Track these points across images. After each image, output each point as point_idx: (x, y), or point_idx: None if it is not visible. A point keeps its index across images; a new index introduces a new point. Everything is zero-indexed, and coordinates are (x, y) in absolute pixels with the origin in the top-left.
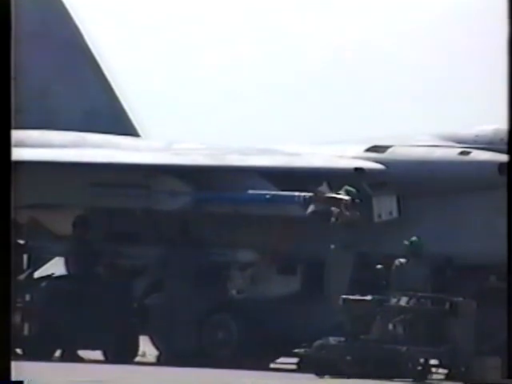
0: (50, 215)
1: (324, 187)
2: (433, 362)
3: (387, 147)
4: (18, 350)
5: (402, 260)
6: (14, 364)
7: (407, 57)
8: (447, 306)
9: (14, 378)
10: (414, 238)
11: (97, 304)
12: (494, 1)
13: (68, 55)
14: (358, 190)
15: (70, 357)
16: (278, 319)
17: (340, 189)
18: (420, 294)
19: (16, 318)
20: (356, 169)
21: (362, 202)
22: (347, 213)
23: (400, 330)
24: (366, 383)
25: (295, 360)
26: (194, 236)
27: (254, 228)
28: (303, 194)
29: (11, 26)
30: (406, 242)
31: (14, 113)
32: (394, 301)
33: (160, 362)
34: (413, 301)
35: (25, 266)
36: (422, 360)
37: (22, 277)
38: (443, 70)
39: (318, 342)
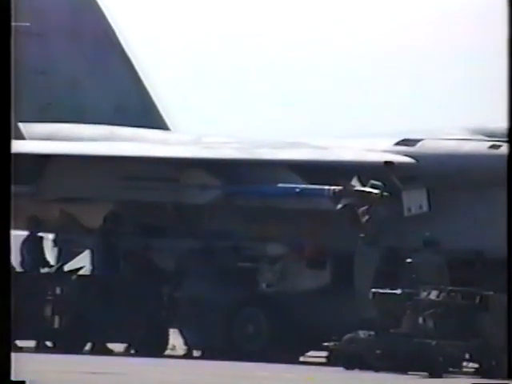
0: (80, 209)
1: (354, 181)
2: (463, 356)
3: (417, 141)
4: (49, 343)
5: (432, 254)
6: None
7: (438, 51)
8: (477, 299)
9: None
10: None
11: (127, 297)
12: None
13: (98, 49)
14: (387, 184)
15: (100, 350)
16: (307, 313)
17: (370, 182)
18: (450, 288)
19: (46, 311)
20: (386, 162)
21: (391, 195)
22: (377, 207)
23: (430, 324)
24: (395, 377)
25: (325, 354)
26: (223, 230)
27: (284, 222)
28: (333, 187)
29: (11, 23)
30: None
31: (39, 106)
32: (423, 295)
33: (190, 355)
34: (443, 295)
35: (55, 259)
36: (452, 354)
37: (52, 270)
38: (473, 64)
39: (347, 336)
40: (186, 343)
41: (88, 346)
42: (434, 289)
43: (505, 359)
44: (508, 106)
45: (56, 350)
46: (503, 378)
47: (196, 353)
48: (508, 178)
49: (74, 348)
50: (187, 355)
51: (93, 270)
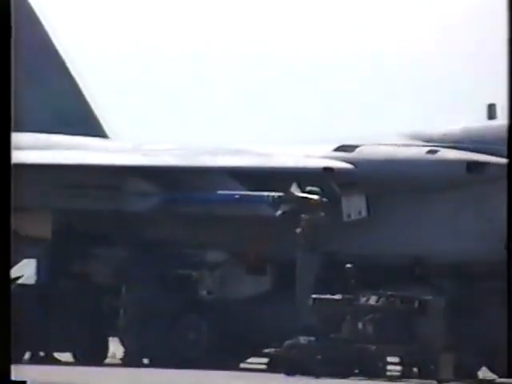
0: (19, 217)
1: (293, 187)
2: (402, 360)
3: (355, 146)
4: None
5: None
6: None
7: (378, 54)
8: (416, 304)
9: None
10: None
11: (67, 306)
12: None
13: (35, 58)
14: (327, 190)
15: (40, 359)
16: (248, 319)
17: (309, 189)
18: (389, 293)
19: None
20: (325, 168)
21: (331, 201)
22: (317, 213)
23: (370, 328)
24: (336, 382)
25: (266, 360)
26: (163, 237)
27: (224, 228)
28: (273, 194)
29: (11, 27)
30: None
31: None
32: (363, 300)
33: (130, 363)
34: (382, 300)
35: None
36: (391, 358)
37: None
38: (413, 69)
39: (288, 342)
40: (126, 351)
41: (27, 355)
42: (374, 294)
43: (442, 362)
44: (508, 106)
45: None
46: (501, 377)
47: (137, 361)
48: (508, 181)
49: (14, 357)
50: (128, 363)
51: (32, 279)
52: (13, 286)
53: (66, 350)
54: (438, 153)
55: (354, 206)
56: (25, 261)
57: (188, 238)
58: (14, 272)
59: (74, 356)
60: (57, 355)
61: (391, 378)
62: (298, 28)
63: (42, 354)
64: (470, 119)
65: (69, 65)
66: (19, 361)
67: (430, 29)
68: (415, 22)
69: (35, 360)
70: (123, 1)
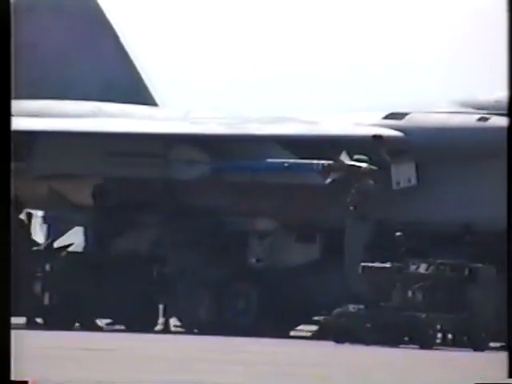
0: (68, 185)
1: (342, 155)
2: (453, 328)
3: (405, 114)
4: (39, 320)
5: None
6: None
7: (427, 23)
8: (466, 272)
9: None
10: None
11: (116, 273)
12: None
13: (85, 25)
14: (376, 158)
15: (90, 326)
16: (297, 287)
17: (358, 157)
18: (439, 261)
19: (36, 288)
20: (374, 136)
21: (380, 169)
22: (366, 181)
23: (419, 296)
24: (385, 350)
25: (315, 328)
26: (212, 205)
27: (273, 197)
28: (322, 162)
29: (10, 3)
30: None
31: (26, 82)
32: (413, 268)
33: (180, 330)
34: (432, 268)
35: (44, 236)
36: (441, 326)
37: (41, 247)
38: (461, 36)
39: (337, 310)
40: (176, 319)
41: (78, 323)
42: (423, 262)
43: (493, 330)
44: (508, 106)
45: (46, 326)
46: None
47: (186, 328)
48: (508, 180)
49: (64, 325)
50: (177, 331)
51: (82, 247)
52: (63, 254)
53: (115, 318)
54: (489, 120)
55: (403, 174)
56: (75, 228)
57: (237, 207)
58: (65, 240)
59: (125, 323)
60: (105, 323)
61: (441, 346)
62: None
63: (91, 321)
64: None
65: (118, 33)
66: (72, 328)
67: None
68: None
69: (85, 328)
70: None
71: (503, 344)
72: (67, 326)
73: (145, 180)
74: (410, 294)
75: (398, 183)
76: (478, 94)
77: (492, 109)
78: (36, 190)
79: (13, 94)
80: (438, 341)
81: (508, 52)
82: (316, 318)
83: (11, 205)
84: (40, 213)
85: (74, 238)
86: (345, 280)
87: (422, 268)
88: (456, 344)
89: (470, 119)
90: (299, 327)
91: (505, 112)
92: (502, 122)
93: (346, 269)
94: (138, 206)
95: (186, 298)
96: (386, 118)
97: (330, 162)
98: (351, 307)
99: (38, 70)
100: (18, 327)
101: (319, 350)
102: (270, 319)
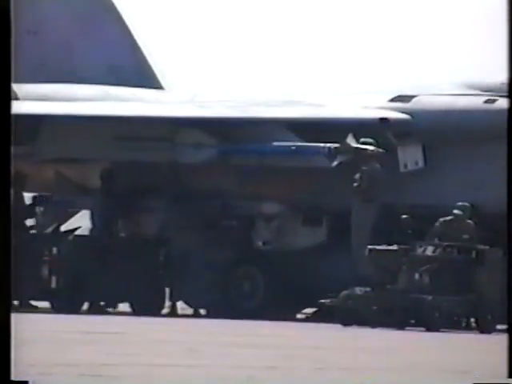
0: (75, 169)
1: (349, 138)
2: (459, 310)
3: (412, 97)
4: (46, 303)
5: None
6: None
7: (431, 6)
8: (473, 254)
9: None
10: (464, 204)
11: (123, 257)
12: None
13: (91, 9)
14: (383, 141)
15: (97, 309)
16: (304, 270)
17: (365, 139)
18: (446, 244)
19: (43, 271)
20: (381, 119)
21: (387, 152)
22: (373, 163)
23: (426, 279)
24: (392, 333)
25: (322, 310)
26: (219, 188)
27: (280, 180)
28: (328, 145)
29: (10, 22)
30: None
31: (31, 67)
32: (419, 250)
33: (187, 313)
34: (439, 250)
35: (51, 219)
36: (448, 309)
37: (48, 230)
38: (467, 18)
39: (344, 293)
40: (183, 302)
41: (85, 306)
42: (430, 244)
43: (500, 313)
44: (508, 105)
45: (53, 310)
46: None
47: (193, 311)
48: (508, 177)
49: (71, 308)
50: (184, 314)
51: (89, 230)
52: (70, 237)
53: (122, 301)
54: (496, 102)
55: (410, 157)
56: (82, 212)
57: (243, 190)
58: (72, 223)
59: (131, 307)
60: (111, 307)
61: (447, 329)
62: None
63: (101, 303)
64: None
65: (124, 17)
66: (79, 312)
67: None
68: None
69: (94, 310)
70: None
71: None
72: (74, 310)
73: (151, 164)
74: (416, 276)
75: (405, 166)
76: (483, 76)
77: (498, 91)
78: (43, 174)
79: (18, 78)
80: (444, 323)
81: (508, 54)
82: (323, 300)
83: (17, 189)
84: (47, 196)
85: (81, 222)
86: (352, 263)
87: (429, 250)
88: (462, 327)
89: (477, 101)
90: (306, 310)
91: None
92: (508, 103)
93: (353, 251)
94: (144, 189)
95: (193, 281)
96: (393, 100)
97: (337, 144)
98: (358, 290)
99: (43, 54)
100: (24, 311)
101: (326, 333)
102: (277, 302)
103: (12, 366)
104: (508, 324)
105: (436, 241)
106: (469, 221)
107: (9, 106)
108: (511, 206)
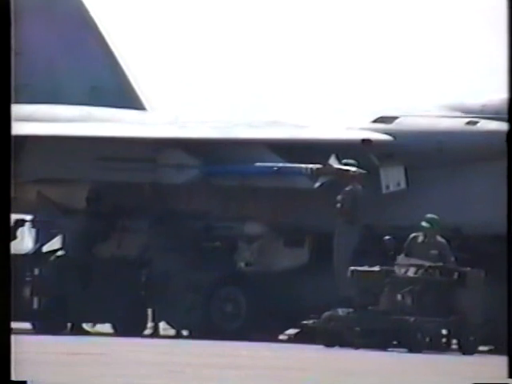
0: (57, 190)
1: (331, 159)
2: (442, 332)
3: (394, 118)
4: (28, 325)
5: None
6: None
7: (413, 28)
8: (455, 276)
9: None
10: (431, 216)
11: (105, 278)
12: None
13: (73, 30)
14: (365, 162)
15: (79, 331)
16: (286, 291)
17: (347, 161)
18: (428, 265)
19: (25, 292)
20: (363, 140)
21: (369, 173)
22: (355, 185)
23: (408, 300)
24: (374, 354)
25: (304, 332)
26: (201, 209)
27: (262, 201)
28: (311, 166)
29: (10, 1)
30: (424, 223)
31: (14, 87)
32: (402, 271)
33: (169, 334)
34: (421, 271)
35: (33, 240)
36: (430, 330)
37: (30, 251)
38: (449, 40)
39: (326, 314)
40: (165, 323)
41: (67, 327)
42: (412, 265)
43: (482, 334)
44: (508, 107)
45: (36, 331)
46: (502, 377)
47: (175, 332)
48: (508, 179)
49: (53, 329)
50: (167, 335)
51: (70, 252)
52: (52, 258)
53: (105, 322)
54: (478, 124)
55: (392, 178)
56: (64, 232)
57: (226, 211)
58: (53, 244)
59: (114, 327)
60: (93, 327)
61: (430, 350)
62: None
63: (83, 325)
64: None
65: (107, 38)
66: (61, 333)
67: None
68: None
69: (77, 331)
70: None
71: (492, 348)
72: (56, 331)
73: (134, 184)
74: (399, 297)
75: (388, 187)
76: (466, 98)
77: (480, 113)
78: (25, 195)
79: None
80: (426, 345)
81: (508, 54)
82: (305, 321)
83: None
84: (28, 217)
85: (63, 243)
86: (334, 284)
87: (411, 272)
88: (445, 348)
89: (459, 123)
90: (289, 331)
91: (493, 116)
92: (490, 125)
93: (335, 272)
94: (127, 210)
95: (175, 302)
96: (375, 121)
97: (319, 165)
98: (340, 311)
99: (24, 75)
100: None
101: (309, 354)
102: (260, 323)
103: (12, 366)
104: (508, 324)
105: (404, 258)
106: (438, 236)
107: (9, 127)
108: (511, 212)
